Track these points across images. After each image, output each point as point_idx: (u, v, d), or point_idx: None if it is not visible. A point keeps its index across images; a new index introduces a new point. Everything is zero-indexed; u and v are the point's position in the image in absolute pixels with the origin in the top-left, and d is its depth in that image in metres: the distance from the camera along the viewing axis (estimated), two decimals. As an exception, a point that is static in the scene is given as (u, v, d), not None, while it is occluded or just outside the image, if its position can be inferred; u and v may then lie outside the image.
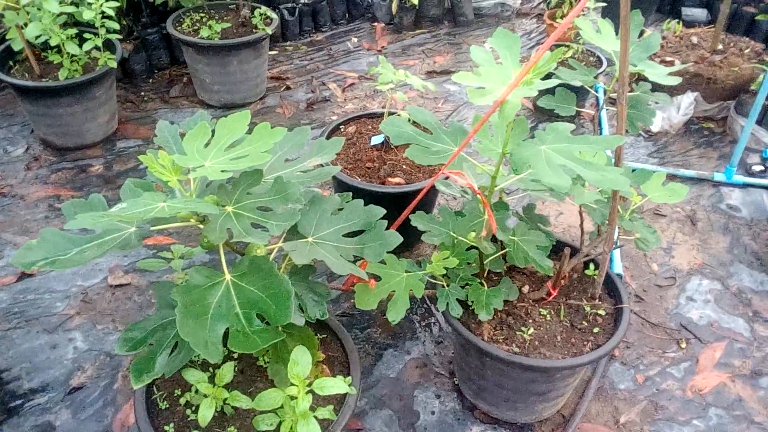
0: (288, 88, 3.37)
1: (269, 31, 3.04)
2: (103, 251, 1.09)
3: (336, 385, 1.25)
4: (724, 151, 2.92)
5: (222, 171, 1.09)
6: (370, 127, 2.34)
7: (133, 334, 1.18)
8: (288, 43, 3.84)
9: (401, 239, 1.32)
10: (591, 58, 3.12)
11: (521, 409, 1.71)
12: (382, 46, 3.84)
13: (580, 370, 1.63)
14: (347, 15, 4.12)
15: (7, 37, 2.61)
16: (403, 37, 3.95)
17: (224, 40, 2.97)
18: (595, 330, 1.56)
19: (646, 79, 1.69)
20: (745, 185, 2.69)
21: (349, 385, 1.27)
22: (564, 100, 1.68)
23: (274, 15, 3.18)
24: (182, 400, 1.35)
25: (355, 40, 3.90)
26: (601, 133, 2.92)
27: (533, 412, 1.73)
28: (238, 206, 1.15)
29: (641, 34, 3.42)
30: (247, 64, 3.07)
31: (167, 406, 1.35)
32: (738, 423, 1.79)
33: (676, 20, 3.59)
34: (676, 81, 1.57)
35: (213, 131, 1.20)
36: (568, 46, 3.12)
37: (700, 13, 3.96)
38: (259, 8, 3.16)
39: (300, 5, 3.82)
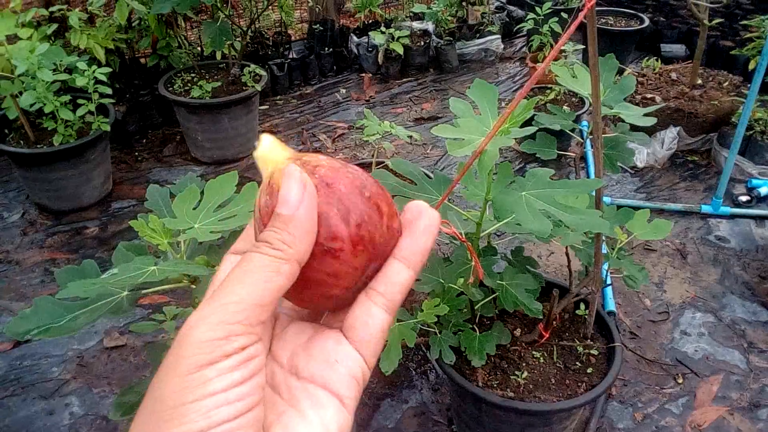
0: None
1: (259, 87, 3.11)
2: (95, 317, 1.11)
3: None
4: (709, 183, 2.97)
5: (211, 232, 1.12)
6: (359, 177, 2.38)
7: (126, 398, 1.19)
8: (278, 97, 3.92)
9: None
10: (573, 99, 3.19)
11: (521, 454, 1.70)
12: (371, 96, 3.92)
13: (576, 412, 1.63)
14: (335, 67, 4.22)
15: (2, 106, 2.67)
16: (391, 86, 4.04)
17: (215, 98, 3.04)
18: (589, 370, 1.57)
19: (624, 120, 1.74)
20: (733, 216, 2.73)
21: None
22: (545, 145, 1.73)
23: (263, 72, 3.26)
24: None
25: (344, 91, 3.99)
26: (588, 172, 2.97)
27: (534, 456, 1.72)
28: (227, 266, 1.17)
29: (622, 72, 3.51)
30: (238, 121, 3.14)
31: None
32: (740, 457, 1.78)
33: (655, 57, 3.69)
34: (651, 121, 1.61)
35: (202, 192, 1.23)
36: (550, 88, 3.20)
37: (679, 49, 4.07)
38: (249, 66, 3.24)
39: (289, 60, 3.92)
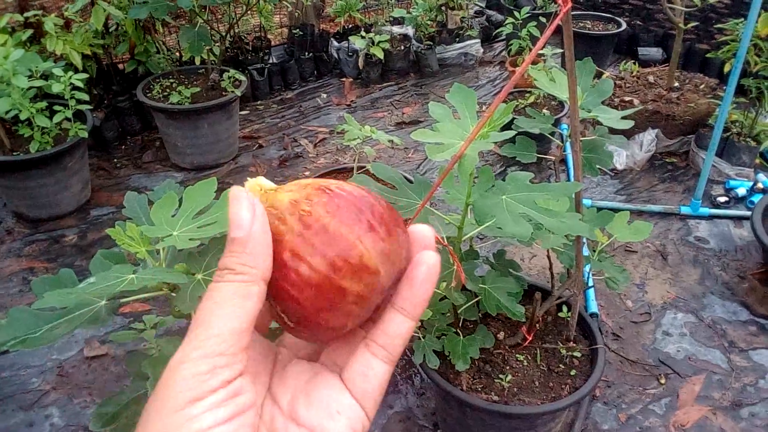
0: (260, 146, 3.42)
1: (238, 93, 3.10)
2: (73, 327, 1.09)
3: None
4: (688, 185, 3.00)
5: (190, 239, 1.11)
6: (341, 182, 2.37)
7: (106, 409, 1.17)
8: (259, 102, 3.91)
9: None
10: (553, 103, 3.21)
11: (506, 457, 1.70)
12: (351, 101, 3.92)
13: (560, 414, 1.64)
14: (315, 72, 4.22)
15: (-23, 113, 2.62)
16: (372, 91, 4.04)
17: (194, 104, 3.02)
18: (572, 372, 1.57)
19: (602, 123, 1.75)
20: (712, 217, 2.76)
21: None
22: (524, 148, 1.74)
23: (242, 77, 3.24)
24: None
25: (325, 96, 3.98)
26: (568, 175, 2.99)
27: (518, 459, 1.72)
28: (207, 273, 1.16)
29: (600, 75, 3.54)
30: (219, 126, 3.12)
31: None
32: (722, 456, 1.79)
33: (633, 61, 3.72)
34: (629, 124, 1.63)
35: (181, 199, 1.22)
36: (529, 92, 3.22)
37: (656, 52, 4.11)
38: (228, 71, 3.22)
39: (269, 65, 3.91)
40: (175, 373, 0.33)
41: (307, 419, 0.37)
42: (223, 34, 3.37)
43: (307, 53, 4.14)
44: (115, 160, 3.28)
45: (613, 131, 1.77)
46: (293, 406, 0.38)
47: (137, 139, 3.46)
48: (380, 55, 3.93)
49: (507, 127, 1.35)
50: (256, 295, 0.35)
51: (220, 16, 3.94)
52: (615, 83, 3.37)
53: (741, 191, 2.87)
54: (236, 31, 3.87)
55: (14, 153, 2.63)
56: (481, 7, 4.94)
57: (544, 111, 3.07)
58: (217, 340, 0.34)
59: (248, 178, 0.39)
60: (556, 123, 3.03)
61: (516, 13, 3.61)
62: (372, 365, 0.39)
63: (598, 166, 1.68)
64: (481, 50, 4.40)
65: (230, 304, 0.35)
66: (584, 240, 1.71)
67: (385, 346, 0.39)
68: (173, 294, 1.16)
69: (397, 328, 0.39)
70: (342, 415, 0.38)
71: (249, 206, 0.36)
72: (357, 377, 0.39)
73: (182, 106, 2.98)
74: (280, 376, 0.40)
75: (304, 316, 0.37)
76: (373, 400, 0.39)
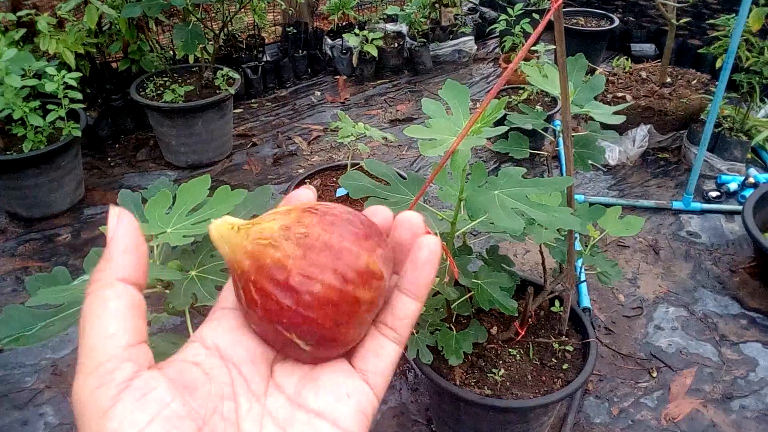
0: (254, 144, 3.42)
1: (232, 91, 3.10)
2: (67, 324, 1.10)
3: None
4: (680, 180, 3.02)
5: (184, 236, 1.11)
6: (334, 179, 2.38)
7: (101, 405, 1.17)
8: (253, 100, 3.91)
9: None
10: (546, 99, 3.22)
11: (500, 451, 1.72)
12: (345, 98, 3.92)
13: (553, 408, 1.65)
14: (309, 70, 4.22)
15: (-30, 112, 2.62)
16: (366, 88, 4.05)
17: (188, 102, 3.02)
18: (565, 366, 1.58)
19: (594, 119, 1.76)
20: (703, 211, 2.78)
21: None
22: (517, 144, 1.74)
23: (236, 75, 3.24)
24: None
25: (319, 93, 3.99)
26: (561, 171, 3.00)
27: (512, 452, 1.73)
28: (201, 270, 1.17)
29: (593, 71, 3.55)
30: (212, 124, 3.12)
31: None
32: (714, 448, 1.81)
33: (626, 56, 3.74)
34: (621, 119, 1.64)
35: (175, 197, 1.22)
36: (523, 88, 3.23)
37: (648, 48, 4.13)
38: (221, 69, 3.22)
39: (263, 63, 3.91)
40: (77, 404, 0.33)
41: (314, 404, 0.37)
42: (217, 32, 3.37)
43: (300, 51, 4.14)
44: (109, 159, 3.27)
45: (605, 127, 1.78)
46: (299, 392, 0.38)
47: (131, 138, 3.46)
48: (374, 52, 3.93)
49: (500, 123, 1.36)
50: (114, 297, 0.35)
51: (213, 15, 3.93)
52: (608, 79, 3.38)
53: (732, 186, 2.89)
54: (230, 29, 3.87)
55: (7, 152, 2.63)
56: (474, 4, 4.94)
57: (538, 107, 3.08)
58: (93, 353, 0.33)
59: (212, 221, 0.39)
60: (550, 119, 3.04)
61: (509, 10, 3.63)
62: (382, 345, 0.40)
63: (590, 162, 1.69)
64: (475, 47, 4.41)
65: (92, 316, 0.34)
66: (576, 235, 1.73)
67: (394, 327, 0.40)
68: (167, 291, 1.17)
69: (404, 309, 0.40)
70: (351, 398, 0.38)
71: (114, 216, 0.37)
72: (368, 357, 0.39)
73: (176, 105, 2.98)
74: (282, 364, 0.40)
75: (323, 335, 0.37)
76: (383, 379, 0.39)
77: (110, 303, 0.34)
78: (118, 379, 0.32)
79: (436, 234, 0.42)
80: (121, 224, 0.36)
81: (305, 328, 0.37)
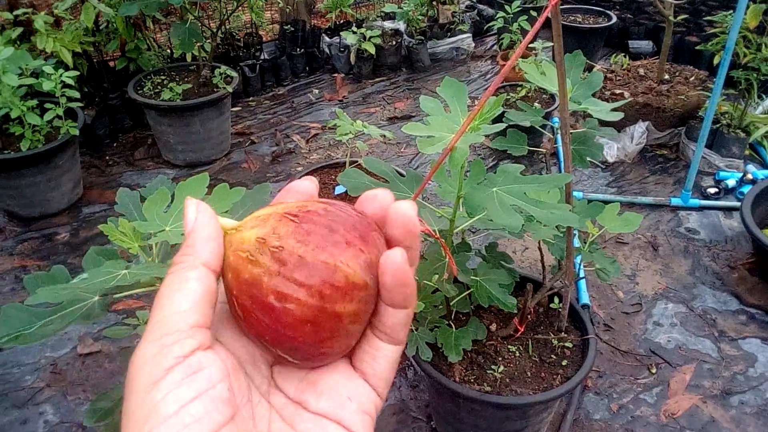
0: (253, 142, 3.42)
1: (230, 89, 3.09)
2: (66, 323, 1.10)
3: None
4: (679, 176, 3.02)
5: (182, 234, 1.11)
6: (333, 177, 2.38)
7: (101, 404, 1.17)
8: (251, 98, 3.90)
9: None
10: (544, 96, 3.22)
11: (500, 448, 1.72)
12: (344, 96, 3.92)
13: (552, 404, 1.65)
14: (307, 68, 4.21)
15: (-33, 112, 2.61)
16: (364, 86, 4.04)
17: (186, 100, 3.01)
18: (564, 363, 1.59)
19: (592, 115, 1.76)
20: (702, 208, 2.78)
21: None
22: (515, 141, 1.74)
23: (234, 73, 3.24)
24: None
25: (317, 91, 3.98)
26: (560, 168, 3.00)
27: (512, 449, 1.73)
28: (200, 268, 1.16)
29: (591, 68, 3.55)
30: (210, 123, 3.11)
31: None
32: (713, 444, 1.81)
33: (623, 54, 3.74)
34: (619, 116, 1.64)
35: (173, 195, 1.22)
36: (521, 85, 3.23)
37: (646, 45, 4.13)
38: (219, 68, 3.22)
39: (260, 62, 3.90)
40: (132, 366, 0.34)
41: (317, 407, 0.37)
42: (214, 30, 3.37)
43: (298, 49, 4.14)
44: (107, 158, 3.27)
45: (603, 124, 1.78)
46: (300, 395, 0.38)
47: (129, 137, 3.45)
48: (372, 50, 3.93)
49: (498, 120, 1.36)
50: (195, 278, 0.36)
51: (210, 13, 3.93)
52: (606, 76, 3.38)
53: (731, 182, 2.89)
54: (227, 27, 3.86)
55: (5, 151, 2.62)
56: (472, 1, 4.94)
57: (536, 104, 3.08)
58: (161, 324, 0.34)
59: None
60: (548, 116, 3.04)
61: (507, 7, 3.62)
62: (380, 346, 0.39)
63: (588, 159, 1.70)
64: (473, 45, 4.40)
65: (170, 291, 0.35)
66: (575, 231, 1.73)
67: (388, 332, 0.39)
68: (166, 289, 1.17)
69: (391, 319, 0.39)
70: (353, 400, 0.38)
71: (193, 207, 0.39)
72: (367, 358, 0.39)
73: (174, 103, 2.98)
74: (282, 366, 0.40)
75: (307, 351, 0.37)
76: (385, 380, 0.39)
77: (190, 283, 0.36)
78: (176, 353, 0.33)
79: (434, 230, 0.42)
80: (201, 214, 0.38)
81: (288, 346, 0.36)
